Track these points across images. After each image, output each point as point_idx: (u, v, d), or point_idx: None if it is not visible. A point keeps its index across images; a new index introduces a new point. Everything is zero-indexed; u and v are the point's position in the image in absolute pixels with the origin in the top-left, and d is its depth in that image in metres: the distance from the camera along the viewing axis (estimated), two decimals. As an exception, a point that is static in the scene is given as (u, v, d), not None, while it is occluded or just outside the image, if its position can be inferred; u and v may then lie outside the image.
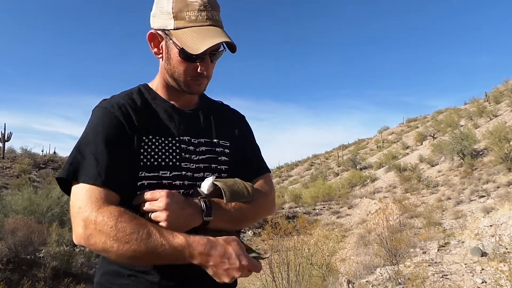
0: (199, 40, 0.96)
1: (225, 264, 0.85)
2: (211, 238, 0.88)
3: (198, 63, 1.02)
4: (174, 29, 0.99)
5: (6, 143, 21.41)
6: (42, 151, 26.37)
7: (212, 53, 1.03)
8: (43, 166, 21.92)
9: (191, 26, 0.98)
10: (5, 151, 21.53)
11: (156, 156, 1.01)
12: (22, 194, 10.43)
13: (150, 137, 1.02)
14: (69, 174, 0.93)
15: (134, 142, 1.00)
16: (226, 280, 0.87)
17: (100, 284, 1.03)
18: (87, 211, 0.87)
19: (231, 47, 1.02)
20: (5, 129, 21.32)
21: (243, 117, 1.31)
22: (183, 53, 0.99)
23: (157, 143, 1.03)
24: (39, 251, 8.03)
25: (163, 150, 1.03)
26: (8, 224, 8.00)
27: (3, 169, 18.84)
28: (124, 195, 0.95)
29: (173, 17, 0.98)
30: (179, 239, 0.85)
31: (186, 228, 0.91)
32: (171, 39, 1.01)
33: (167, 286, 0.98)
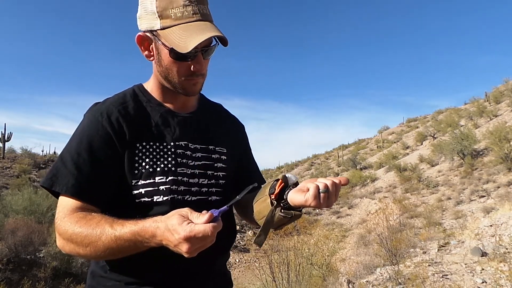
0: (188, 38, 0.90)
1: (173, 236, 0.73)
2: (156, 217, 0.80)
3: (190, 62, 0.97)
4: (161, 29, 0.94)
5: (6, 143, 21.37)
6: (42, 151, 26.35)
7: (204, 49, 0.97)
8: (43, 166, 21.85)
9: (178, 24, 0.93)
10: (5, 151, 21.48)
11: (151, 163, 0.98)
12: (22, 194, 10.41)
13: (144, 143, 0.99)
14: (48, 182, 0.93)
15: (125, 151, 0.97)
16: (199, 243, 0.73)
17: (92, 286, 1.02)
18: (57, 222, 0.90)
19: (222, 40, 0.97)
20: (5, 129, 21.26)
21: (243, 126, 1.29)
22: (174, 53, 0.94)
23: (151, 149, 0.99)
24: (39, 251, 8.02)
25: (158, 156, 0.99)
26: (8, 224, 8.00)
27: (3, 169, 18.80)
28: (106, 205, 0.94)
29: (159, 16, 0.93)
30: (127, 227, 0.81)
31: None
32: (159, 40, 0.96)
33: None
